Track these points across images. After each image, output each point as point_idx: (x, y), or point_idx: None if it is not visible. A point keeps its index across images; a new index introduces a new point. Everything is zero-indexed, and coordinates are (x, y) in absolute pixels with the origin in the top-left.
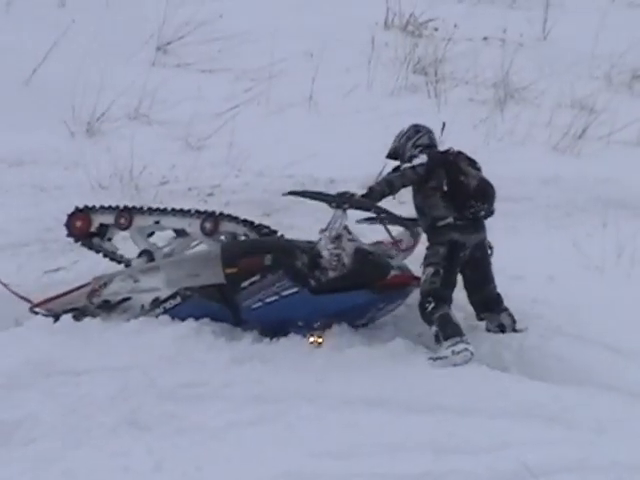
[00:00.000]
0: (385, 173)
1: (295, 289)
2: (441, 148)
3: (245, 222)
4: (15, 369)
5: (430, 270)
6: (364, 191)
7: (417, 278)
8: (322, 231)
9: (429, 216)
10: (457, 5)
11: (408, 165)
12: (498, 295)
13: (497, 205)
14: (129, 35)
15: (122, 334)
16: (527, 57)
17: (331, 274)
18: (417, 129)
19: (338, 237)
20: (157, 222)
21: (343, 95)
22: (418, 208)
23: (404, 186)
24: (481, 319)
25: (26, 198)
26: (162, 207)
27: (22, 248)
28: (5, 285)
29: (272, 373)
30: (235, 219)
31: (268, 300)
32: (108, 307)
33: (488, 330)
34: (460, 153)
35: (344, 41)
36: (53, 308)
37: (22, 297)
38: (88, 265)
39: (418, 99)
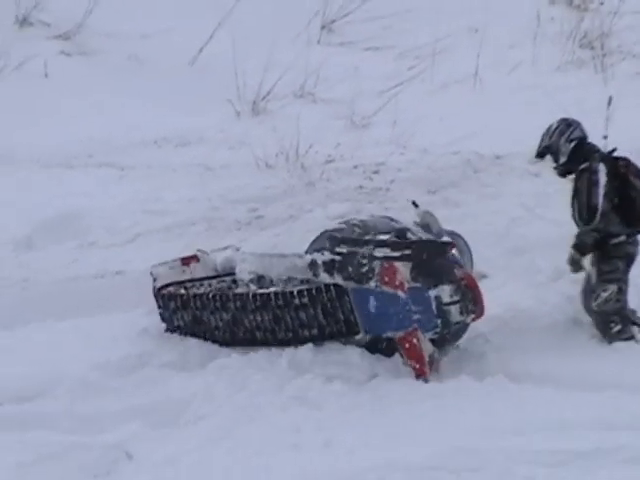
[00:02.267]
0: None
1: None
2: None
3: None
4: (185, 350)
5: (614, 288)
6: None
7: None
8: None
9: (602, 230)
10: None
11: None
12: None
13: None
14: (294, 14)
15: None
16: None
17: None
18: (568, 123)
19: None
20: None
21: (508, 71)
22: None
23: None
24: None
25: (192, 178)
26: None
27: (189, 227)
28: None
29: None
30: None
31: None
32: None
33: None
34: (630, 164)
35: (508, 16)
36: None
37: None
38: (255, 243)
39: (584, 74)
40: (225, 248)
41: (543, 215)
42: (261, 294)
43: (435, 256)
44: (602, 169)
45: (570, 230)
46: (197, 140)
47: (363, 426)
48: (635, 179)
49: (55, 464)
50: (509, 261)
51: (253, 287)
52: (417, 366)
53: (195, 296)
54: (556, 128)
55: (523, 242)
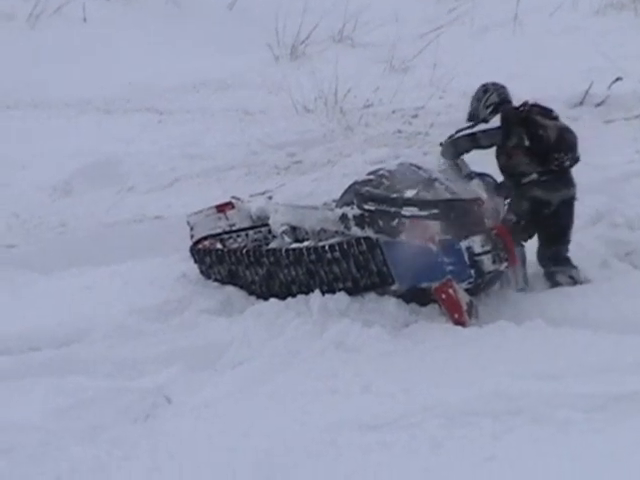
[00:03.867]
0: (590, 93)
1: None
2: None
3: None
4: (224, 296)
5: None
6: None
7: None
8: None
9: (514, 175)
10: None
11: (482, 128)
12: (568, 258)
13: None
14: None
15: None
16: None
17: None
18: (485, 88)
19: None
20: None
21: (548, 14)
22: (503, 170)
23: (485, 147)
24: (550, 273)
25: (231, 122)
26: None
27: (228, 172)
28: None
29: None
30: None
31: None
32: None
33: (557, 284)
34: (534, 106)
35: None
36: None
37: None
38: (294, 188)
39: (624, 17)
40: (262, 193)
41: (583, 159)
42: (294, 249)
43: (463, 216)
44: (493, 119)
45: (611, 174)
46: (236, 84)
47: (401, 371)
48: (541, 117)
49: (94, 409)
50: None
51: (287, 239)
52: (456, 316)
53: (230, 251)
54: (474, 95)
55: None
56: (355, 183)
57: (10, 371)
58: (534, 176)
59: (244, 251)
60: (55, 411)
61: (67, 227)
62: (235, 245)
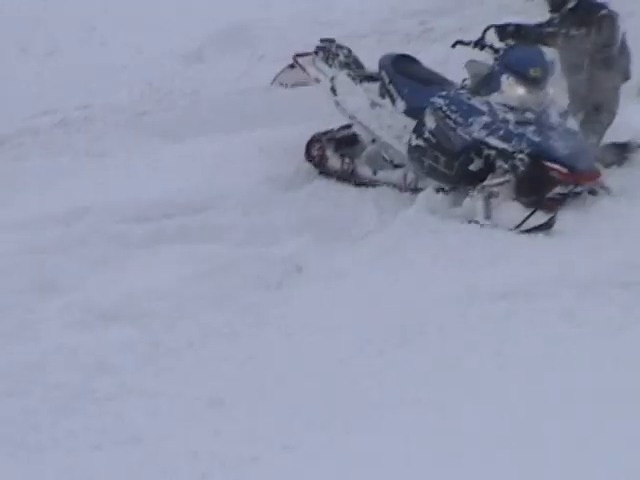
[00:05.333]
0: None
1: None
2: None
3: None
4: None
5: None
6: None
7: None
8: None
9: None
10: None
11: None
12: None
13: None
14: None
15: None
16: None
17: None
18: None
19: None
20: None
21: None
22: None
23: None
24: None
25: None
26: None
27: (359, 40)
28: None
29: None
30: None
31: None
32: None
33: None
34: None
35: None
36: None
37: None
38: (431, 55)
39: None
40: None
41: None
42: None
43: None
44: None
45: None
46: None
47: (533, 243)
48: None
49: (227, 275)
50: None
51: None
52: None
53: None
54: None
55: None
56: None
57: (144, 239)
58: None
59: None
60: (188, 278)
61: (199, 95)
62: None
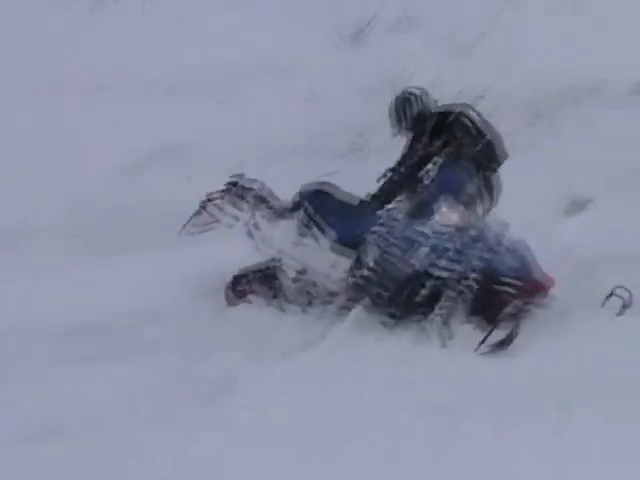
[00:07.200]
0: None
1: None
2: None
3: None
4: None
5: None
6: None
7: None
8: None
9: None
10: None
11: None
12: None
13: None
14: None
15: None
16: None
17: None
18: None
19: None
20: None
21: None
22: None
23: None
24: None
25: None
26: None
27: (291, 155)
28: None
29: None
30: None
31: None
32: None
33: None
34: None
35: None
36: None
37: None
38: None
39: None
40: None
41: None
42: None
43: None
44: None
45: None
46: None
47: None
48: None
49: (160, 392)
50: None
51: None
52: None
53: None
54: None
55: None
56: None
57: (77, 356)
58: None
59: None
60: (120, 395)
61: (134, 211)
62: None
